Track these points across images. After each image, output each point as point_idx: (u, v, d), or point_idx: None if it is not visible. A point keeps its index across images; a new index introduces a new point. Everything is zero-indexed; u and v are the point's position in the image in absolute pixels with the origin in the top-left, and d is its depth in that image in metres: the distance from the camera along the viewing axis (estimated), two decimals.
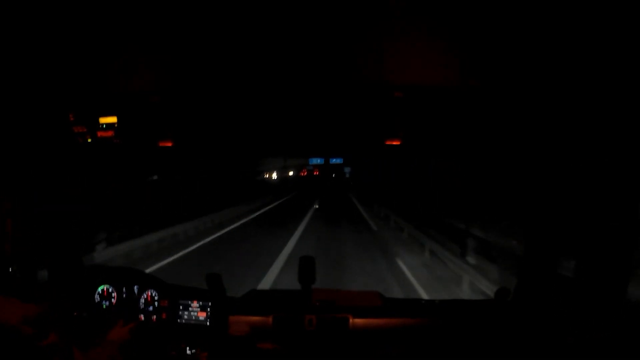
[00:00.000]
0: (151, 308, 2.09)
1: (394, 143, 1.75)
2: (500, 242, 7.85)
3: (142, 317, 2.06)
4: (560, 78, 1.42)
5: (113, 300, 2.13)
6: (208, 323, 2.02)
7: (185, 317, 2.05)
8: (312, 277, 2.01)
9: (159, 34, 1.22)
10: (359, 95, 1.68)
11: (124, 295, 2.13)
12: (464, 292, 6.30)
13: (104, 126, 1.82)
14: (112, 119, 1.81)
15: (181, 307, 2.06)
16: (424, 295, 6.11)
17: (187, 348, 1.95)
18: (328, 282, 5.74)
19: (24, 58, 1.35)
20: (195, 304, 2.05)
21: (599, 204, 1.64)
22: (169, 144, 1.84)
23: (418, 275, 7.32)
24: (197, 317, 2.04)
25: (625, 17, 1.03)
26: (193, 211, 12.62)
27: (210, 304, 2.04)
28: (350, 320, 1.97)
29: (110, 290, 2.14)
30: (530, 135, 1.71)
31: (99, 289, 2.15)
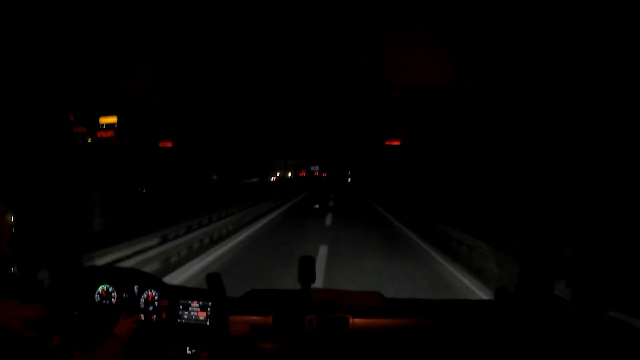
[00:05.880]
0: (151, 308, 2.09)
1: (394, 143, 1.75)
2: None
3: (142, 316, 2.06)
4: (560, 79, 1.42)
5: (113, 300, 2.13)
6: (208, 323, 2.02)
7: (185, 317, 2.05)
8: (312, 277, 2.01)
9: (159, 34, 1.23)
10: (358, 95, 1.68)
11: (124, 295, 2.13)
12: None
13: (104, 126, 1.82)
14: (112, 119, 1.81)
15: (181, 307, 2.06)
16: None
17: (187, 348, 1.95)
18: None
19: (23, 58, 1.35)
20: (195, 303, 2.05)
21: (598, 204, 1.64)
22: (169, 144, 1.84)
23: None
24: (197, 317, 2.04)
25: (624, 16, 1.03)
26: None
27: (210, 303, 2.04)
28: (350, 320, 1.97)
29: (110, 290, 2.14)
30: (529, 135, 1.71)
31: (99, 289, 2.15)
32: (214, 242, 10.14)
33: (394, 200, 23.88)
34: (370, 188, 43.31)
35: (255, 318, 2.02)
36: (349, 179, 53.99)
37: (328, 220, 16.00)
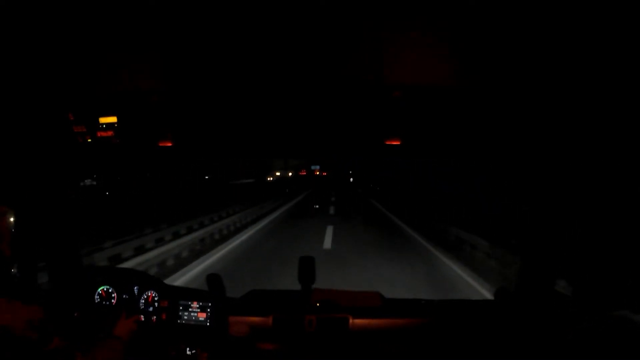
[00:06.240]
0: (151, 309, 2.09)
1: (394, 143, 1.75)
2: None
3: (142, 317, 2.06)
4: (560, 78, 1.42)
5: (113, 301, 2.13)
6: (208, 323, 2.02)
7: (185, 317, 2.05)
8: (312, 277, 2.01)
9: (159, 34, 1.23)
10: (358, 95, 1.68)
11: (124, 296, 2.13)
12: None
13: (104, 126, 1.82)
14: (112, 119, 1.81)
15: (181, 308, 2.06)
16: None
17: (187, 348, 1.95)
18: None
19: (23, 58, 1.35)
20: (195, 304, 2.05)
21: (598, 204, 1.64)
22: (169, 144, 1.84)
23: None
24: (197, 317, 2.03)
25: (622, 16, 1.03)
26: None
27: (210, 304, 2.04)
28: (350, 320, 1.97)
29: (110, 290, 2.14)
30: (529, 134, 1.71)
31: (99, 290, 2.14)
32: None
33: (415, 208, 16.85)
34: (378, 190, 36.52)
35: (255, 319, 2.02)
36: (351, 179, 52.35)
37: (327, 241, 10.24)
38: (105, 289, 2.15)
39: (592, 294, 1.69)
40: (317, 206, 21.54)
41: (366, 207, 21.41)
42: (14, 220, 1.31)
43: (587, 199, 1.69)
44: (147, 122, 1.83)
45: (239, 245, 10.00)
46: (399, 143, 1.75)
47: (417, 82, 1.57)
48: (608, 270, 1.63)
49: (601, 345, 1.56)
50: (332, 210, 19.18)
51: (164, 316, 2.07)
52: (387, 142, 1.76)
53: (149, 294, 2.11)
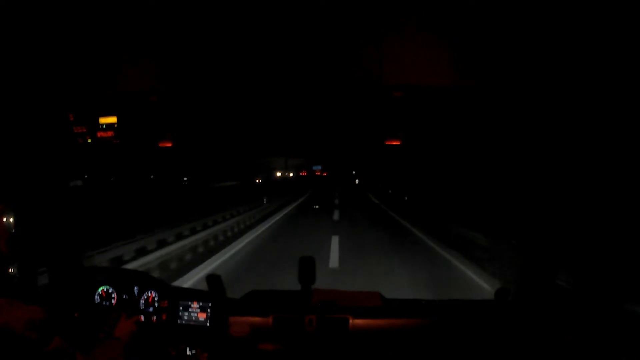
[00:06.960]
0: (151, 309, 2.09)
1: (394, 143, 1.75)
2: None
3: (142, 317, 2.06)
4: (559, 78, 1.42)
5: (113, 301, 2.13)
6: (208, 324, 2.02)
7: (186, 317, 2.04)
8: (312, 277, 2.01)
9: (159, 35, 1.23)
10: (358, 95, 1.68)
11: (124, 296, 2.13)
12: None
13: (104, 126, 1.82)
14: (112, 119, 1.81)
15: (181, 308, 2.05)
16: None
17: (187, 349, 1.95)
18: None
19: (24, 59, 1.35)
20: (195, 304, 2.05)
21: (597, 204, 1.64)
22: (169, 144, 1.84)
23: None
24: (197, 317, 2.03)
25: (619, 17, 1.03)
26: None
27: (210, 304, 2.03)
28: (351, 320, 1.97)
29: (110, 291, 2.14)
30: (528, 134, 1.71)
31: (99, 290, 2.14)
32: None
33: None
34: (405, 200, 24.11)
35: (255, 319, 2.02)
36: (357, 180, 46.88)
37: None
38: (105, 289, 2.14)
39: (594, 286, 1.69)
40: (317, 206, 21.40)
41: (389, 228, 13.08)
42: (14, 220, 1.31)
43: (587, 195, 1.69)
44: (147, 122, 1.83)
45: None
46: (399, 143, 1.75)
47: (417, 82, 1.57)
48: (609, 263, 1.63)
49: (603, 339, 1.56)
50: (334, 254, 8.49)
51: (164, 316, 2.06)
52: (387, 142, 1.76)
53: (149, 294, 2.11)
